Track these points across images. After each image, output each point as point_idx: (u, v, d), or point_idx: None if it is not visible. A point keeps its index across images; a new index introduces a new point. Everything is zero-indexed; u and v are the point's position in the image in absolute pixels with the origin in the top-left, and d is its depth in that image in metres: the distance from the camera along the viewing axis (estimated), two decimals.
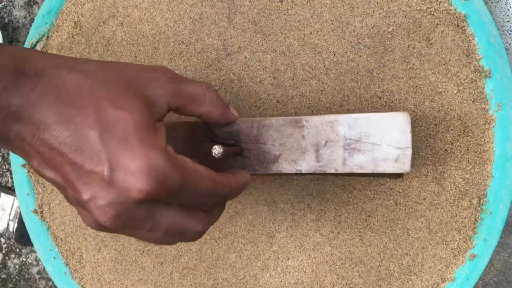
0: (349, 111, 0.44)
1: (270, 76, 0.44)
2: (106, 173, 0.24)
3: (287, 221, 0.46)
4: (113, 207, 0.24)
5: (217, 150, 0.32)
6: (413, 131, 0.43)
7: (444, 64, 0.42)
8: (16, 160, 0.49)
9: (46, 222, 0.49)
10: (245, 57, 0.45)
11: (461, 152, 0.43)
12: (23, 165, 0.49)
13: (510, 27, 0.37)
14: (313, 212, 0.45)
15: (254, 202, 0.46)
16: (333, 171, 0.36)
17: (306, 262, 0.45)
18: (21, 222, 0.56)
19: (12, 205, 0.56)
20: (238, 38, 0.45)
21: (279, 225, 0.46)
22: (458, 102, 0.42)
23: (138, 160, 0.24)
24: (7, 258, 0.58)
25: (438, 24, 0.42)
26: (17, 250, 0.58)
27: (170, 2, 0.45)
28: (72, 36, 0.47)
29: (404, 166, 0.35)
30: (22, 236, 0.56)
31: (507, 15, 0.35)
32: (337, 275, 0.45)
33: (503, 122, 0.42)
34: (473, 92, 0.42)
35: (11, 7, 0.53)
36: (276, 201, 0.46)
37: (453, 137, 0.43)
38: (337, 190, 0.45)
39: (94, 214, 0.25)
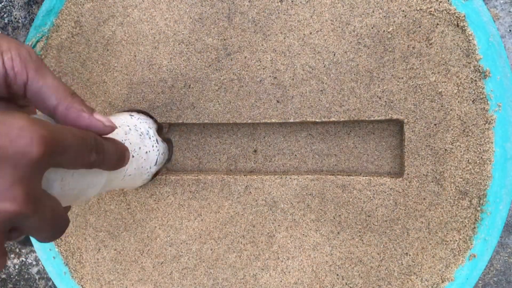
0: (349, 111, 0.44)
1: (270, 76, 0.44)
2: None
3: (287, 221, 0.45)
4: None
5: None
6: (413, 131, 0.43)
7: (444, 64, 0.42)
8: None
9: None
10: (245, 57, 0.45)
11: (461, 152, 0.43)
12: None
13: None
14: (313, 212, 0.45)
15: (254, 202, 0.46)
16: None
17: (306, 262, 0.45)
18: None
19: None
20: (238, 38, 0.45)
21: (279, 225, 0.46)
22: (458, 102, 0.42)
23: None
24: (7, 258, 0.58)
25: (438, 24, 0.42)
26: (17, 250, 0.58)
27: (170, 2, 0.45)
28: (72, 36, 0.47)
29: None
30: None
31: None
32: (337, 275, 0.45)
33: (503, 122, 0.42)
34: (473, 92, 0.42)
35: (11, 7, 0.53)
36: (276, 201, 0.46)
37: (453, 137, 0.43)
38: (337, 190, 0.45)
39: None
